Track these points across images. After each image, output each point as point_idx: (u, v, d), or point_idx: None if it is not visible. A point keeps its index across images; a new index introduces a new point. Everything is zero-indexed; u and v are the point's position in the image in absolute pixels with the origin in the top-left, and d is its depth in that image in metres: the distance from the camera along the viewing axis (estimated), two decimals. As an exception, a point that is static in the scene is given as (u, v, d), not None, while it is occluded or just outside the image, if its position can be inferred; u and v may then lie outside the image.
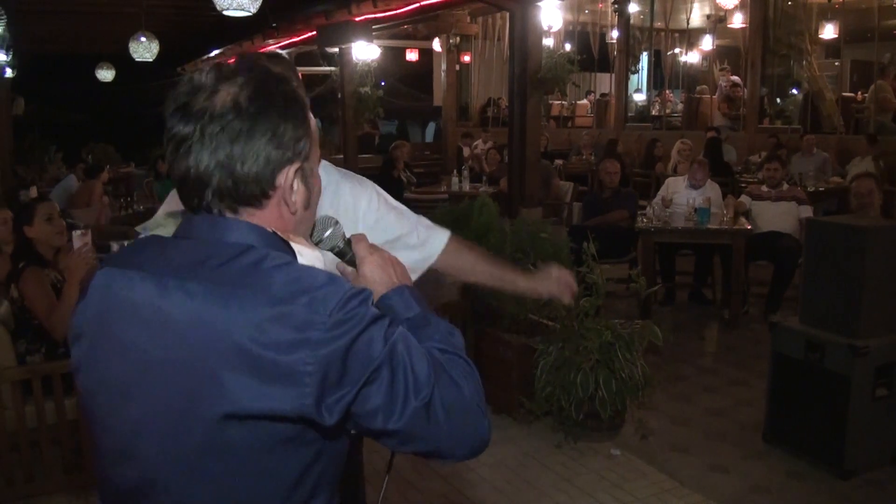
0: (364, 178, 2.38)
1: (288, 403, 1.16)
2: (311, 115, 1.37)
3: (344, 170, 2.35)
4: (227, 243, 1.26)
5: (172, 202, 2.10)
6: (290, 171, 1.30)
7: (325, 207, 2.13)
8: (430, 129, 22.03)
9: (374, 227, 2.26)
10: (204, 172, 1.25)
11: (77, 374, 1.35)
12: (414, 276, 2.33)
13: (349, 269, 1.49)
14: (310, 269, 1.24)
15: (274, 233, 1.30)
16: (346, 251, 1.50)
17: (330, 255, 1.50)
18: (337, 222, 1.51)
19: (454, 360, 1.32)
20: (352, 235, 1.52)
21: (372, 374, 1.18)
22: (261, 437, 1.19)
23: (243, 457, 1.21)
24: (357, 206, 2.27)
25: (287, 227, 1.33)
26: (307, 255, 1.31)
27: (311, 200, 1.37)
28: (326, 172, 2.22)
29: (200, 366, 1.18)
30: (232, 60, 1.34)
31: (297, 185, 1.32)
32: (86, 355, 1.33)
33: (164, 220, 1.66)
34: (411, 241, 2.35)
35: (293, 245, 1.30)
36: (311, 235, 1.48)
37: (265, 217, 1.30)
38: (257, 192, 1.28)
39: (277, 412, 1.17)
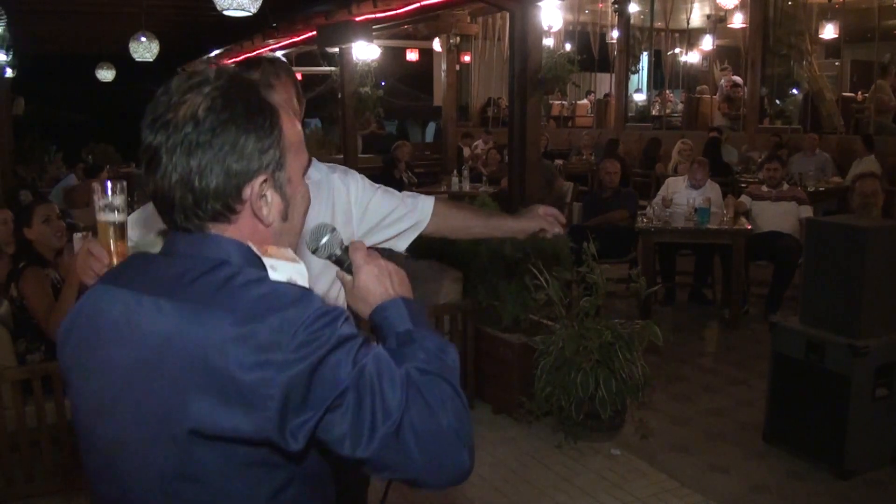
0: (346, 168, 2.45)
1: (251, 426, 1.13)
2: (292, 122, 1.33)
3: (329, 163, 2.41)
4: (202, 258, 1.25)
5: (141, 215, 2.15)
6: (257, 183, 1.25)
7: (322, 201, 2.21)
8: (431, 129, 22.02)
9: (367, 209, 2.35)
10: (168, 188, 1.24)
11: (67, 388, 1.36)
12: (406, 244, 2.45)
13: (348, 277, 1.45)
14: (280, 287, 1.21)
15: (248, 247, 1.27)
16: (343, 259, 1.46)
17: (322, 262, 1.49)
18: (334, 229, 1.47)
19: (434, 384, 1.23)
20: (350, 243, 1.48)
21: (336, 399, 1.14)
22: (229, 460, 1.18)
23: (212, 480, 1.20)
24: (349, 193, 2.33)
25: (265, 239, 1.30)
26: (283, 270, 1.26)
27: (290, 211, 1.33)
28: (316, 168, 2.30)
29: (171, 387, 1.17)
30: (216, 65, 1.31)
31: (271, 196, 1.28)
32: (72, 371, 1.33)
33: (155, 239, 1.65)
34: (401, 212, 2.43)
35: (266, 260, 1.26)
36: (306, 244, 1.45)
37: (239, 231, 1.28)
38: (220, 207, 1.25)
39: (241, 435, 1.15)
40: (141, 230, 2.10)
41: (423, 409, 1.18)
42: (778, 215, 7.08)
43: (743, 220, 6.99)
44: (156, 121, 1.24)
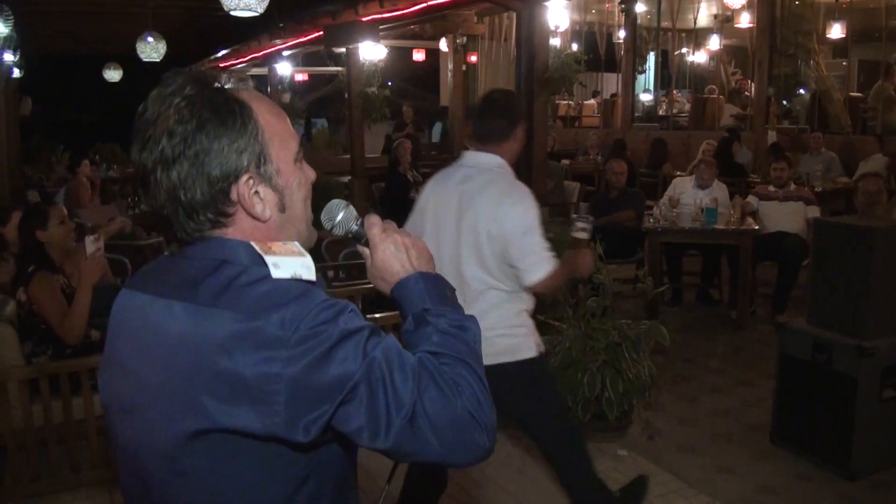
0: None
1: (259, 422, 1.15)
2: (270, 111, 1.30)
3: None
4: (207, 260, 1.26)
5: None
6: (242, 184, 1.25)
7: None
8: (437, 129, 22.02)
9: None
10: (161, 205, 1.26)
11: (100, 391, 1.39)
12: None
13: (367, 251, 1.43)
14: (283, 284, 1.21)
15: (250, 246, 1.26)
16: (361, 234, 1.43)
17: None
18: (347, 205, 1.44)
19: (448, 366, 1.23)
20: (365, 216, 1.44)
21: (349, 393, 1.15)
22: (242, 457, 1.20)
23: (227, 477, 1.22)
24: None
25: (269, 235, 1.30)
26: (286, 266, 1.24)
27: (286, 202, 1.31)
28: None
29: (183, 388, 1.19)
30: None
31: (262, 191, 1.28)
32: (101, 374, 1.37)
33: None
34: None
35: (269, 258, 1.24)
36: (323, 223, 1.44)
37: (241, 230, 1.28)
38: (212, 215, 1.26)
39: (250, 431, 1.16)
40: None
41: (435, 394, 1.18)
42: (785, 215, 7.06)
43: (750, 220, 6.97)
44: (139, 138, 1.25)
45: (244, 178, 1.25)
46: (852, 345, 4.04)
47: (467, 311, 1.35)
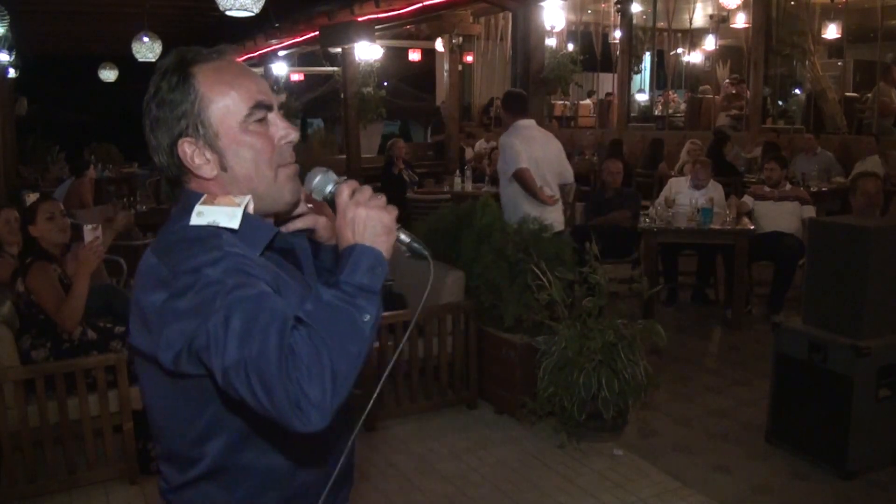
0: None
1: (148, 346, 1.36)
2: (220, 79, 1.43)
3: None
4: (175, 206, 1.49)
5: None
6: (180, 146, 1.43)
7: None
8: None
9: None
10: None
11: None
12: None
13: None
14: (192, 231, 1.38)
15: (202, 195, 1.44)
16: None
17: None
18: (327, 171, 1.51)
19: (300, 334, 1.23)
20: (340, 182, 1.48)
21: (194, 339, 1.27)
22: (155, 373, 1.40)
23: (152, 389, 1.47)
24: None
25: (223, 190, 1.46)
26: (208, 214, 1.39)
27: (227, 162, 1.45)
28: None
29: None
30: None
31: (206, 153, 1.44)
32: None
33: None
34: None
35: (198, 207, 1.40)
36: (304, 188, 1.54)
37: (199, 185, 1.47)
38: (173, 174, 1.48)
39: (145, 352, 1.38)
40: None
41: (265, 355, 1.21)
42: (781, 215, 7.06)
43: (745, 220, 6.98)
44: None
45: (182, 141, 1.43)
46: (848, 344, 4.04)
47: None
